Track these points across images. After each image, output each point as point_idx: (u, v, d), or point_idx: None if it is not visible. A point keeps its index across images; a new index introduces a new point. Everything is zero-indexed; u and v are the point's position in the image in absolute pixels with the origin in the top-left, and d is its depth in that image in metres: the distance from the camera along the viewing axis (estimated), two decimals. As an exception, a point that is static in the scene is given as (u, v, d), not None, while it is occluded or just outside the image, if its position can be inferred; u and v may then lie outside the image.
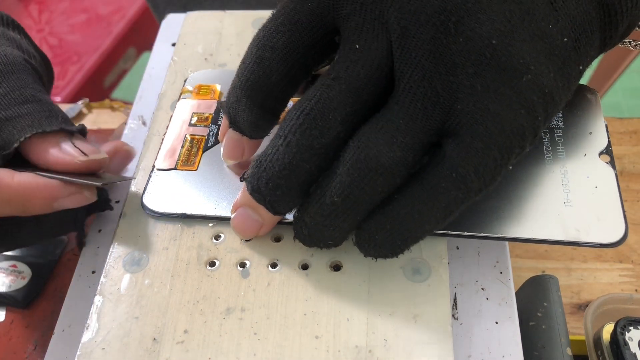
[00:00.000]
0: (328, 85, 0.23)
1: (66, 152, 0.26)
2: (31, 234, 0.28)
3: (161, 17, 0.62)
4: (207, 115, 0.32)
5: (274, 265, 0.26)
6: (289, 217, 0.26)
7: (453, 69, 0.22)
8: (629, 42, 0.30)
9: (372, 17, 0.23)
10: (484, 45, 0.22)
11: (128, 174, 0.31)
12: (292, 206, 0.25)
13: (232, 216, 0.26)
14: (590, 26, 0.23)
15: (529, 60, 0.22)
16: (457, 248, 0.29)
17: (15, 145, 0.24)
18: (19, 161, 0.26)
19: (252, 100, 0.25)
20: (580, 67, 0.24)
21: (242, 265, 0.26)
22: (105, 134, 0.50)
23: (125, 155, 0.31)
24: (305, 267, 0.26)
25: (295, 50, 0.25)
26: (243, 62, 0.26)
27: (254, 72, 0.25)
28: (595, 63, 0.97)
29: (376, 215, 0.23)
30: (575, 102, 0.30)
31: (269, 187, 0.24)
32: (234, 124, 0.27)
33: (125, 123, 0.37)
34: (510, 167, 0.23)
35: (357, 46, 0.23)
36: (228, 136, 0.27)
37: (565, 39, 0.23)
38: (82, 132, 0.28)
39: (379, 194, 0.23)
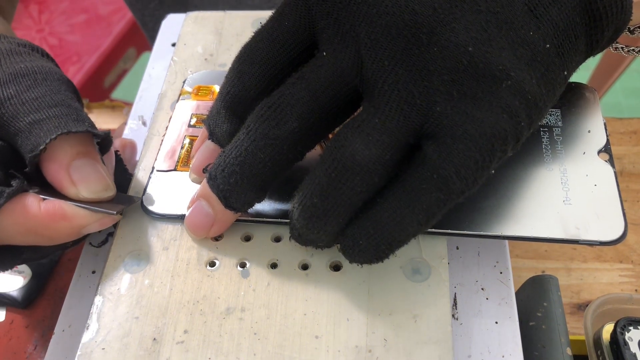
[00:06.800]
0: (292, 83, 0.25)
1: (72, 180, 0.25)
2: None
3: (144, 22, 0.63)
4: (205, 116, 0.32)
5: (274, 265, 0.26)
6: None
7: (428, 76, 0.22)
8: (622, 47, 0.30)
9: (343, 30, 0.24)
10: (459, 52, 0.22)
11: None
12: (244, 200, 0.25)
13: (187, 212, 0.27)
14: (574, 31, 0.23)
15: (508, 66, 0.22)
16: (457, 248, 0.29)
17: (42, 147, 0.24)
18: (39, 179, 0.26)
19: (232, 111, 0.27)
20: (565, 73, 0.24)
21: (242, 265, 0.26)
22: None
23: (132, 148, 0.32)
24: (305, 267, 0.26)
25: (273, 66, 0.26)
26: (226, 76, 0.27)
27: (234, 85, 0.26)
28: (595, 63, 0.98)
29: (359, 221, 0.23)
30: (574, 101, 0.30)
31: (224, 174, 0.25)
32: (212, 136, 0.27)
33: (125, 123, 0.37)
34: (493, 171, 0.23)
35: (325, 53, 0.25)
36: (204, 146, 0.28)
37: (548, 45, 0.23)
38: (107, 140, 0.28)
39: (358, 195, 0.23)
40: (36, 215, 0.24)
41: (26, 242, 0.25)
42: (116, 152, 0.29)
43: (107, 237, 0.30)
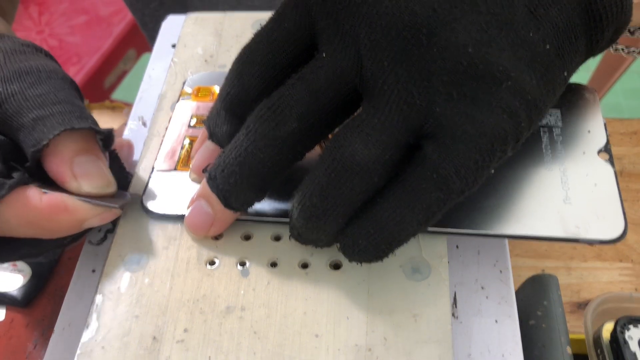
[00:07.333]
0: (292, 84, 0.25)
1: (74, 174, 0.25)
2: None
3: (148, 30, 0.63)
4: (206, 117, 0.32)
5: (273, 264, 0.26)
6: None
7: (428, 76, 0.22)
8: (622, 48, 0.30)
9: (343, 31, 0.24)
10: (459, 53, 0.22)
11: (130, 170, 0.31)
12: (244, 200, 0.25)
13: (187, 212, 0.27)
14: (574, 32, 0.23)
15: (508, 67, 0.22)
16: (457, 247, 0.29)
17: (45, 142, 0.24)
18: (39, 175, 0.26)
19: (232, 112, 0.27)
20: (565, 74, 0.24)
21: (242, 264, 0.26)
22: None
23: (128, 148, 0.33)
24: (305, 266, 0.26)
25: (273, 67, 0.26)
26: (226, 77, 0.27)
27: (234, 86, 0.27)
28: (595, 64, 0.98)
29: (359, 220, 0.23)
30: (574, 101, 0.30)
31: (223, 175, 0.25)
32: (212, 136, 0.27)
33: (125, 124, 0.37)
34: (492, 171, 0.23)
35: (324, 54, 0.24)
36: (204, 147, 0.28)
37: (548, 46, 0.23)
38: (109, 137, 0.28)
39: (357, 195, 0.23)
40: (37, 207, 0.24)
41: (27, 235, 0.25)
42: (113, 150, 0.29)
43: (105, 234, 0.30)
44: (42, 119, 0.25)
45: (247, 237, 0.27)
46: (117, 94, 1.19)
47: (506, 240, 0.29)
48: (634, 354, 0.29)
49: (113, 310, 0.25)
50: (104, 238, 0.30)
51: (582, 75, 0.26)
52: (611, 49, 0.30)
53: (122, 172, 0.30)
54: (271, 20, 0.26)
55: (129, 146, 0.33)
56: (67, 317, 0.28)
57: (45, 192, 0.25)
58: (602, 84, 0.96)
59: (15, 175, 0.25)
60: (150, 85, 0.38)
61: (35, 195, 0.24)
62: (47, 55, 0.30)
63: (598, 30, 0.24)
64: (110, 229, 0.30)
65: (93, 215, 0.25)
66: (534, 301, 0.30)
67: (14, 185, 0.24)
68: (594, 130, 0.29)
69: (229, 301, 0.25)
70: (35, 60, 0.28)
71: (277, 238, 0.27)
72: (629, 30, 0.28)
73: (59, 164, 0.25)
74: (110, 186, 0.26)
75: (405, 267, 0.26)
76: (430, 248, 0.26)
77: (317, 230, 0.24)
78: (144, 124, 0.37)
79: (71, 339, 0.27)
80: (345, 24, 0.24)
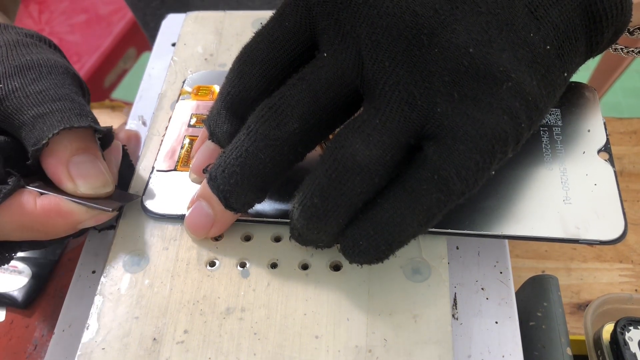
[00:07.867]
0: (293, 84, 0.25)
1: (70, 175, 0.25)
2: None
3: (149, 31, 0.63)
4: (205, 116, 0.32)
5: (274, 265, 0.26)
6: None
7: (429, 77, 0.22)
8: (621, 48, 0.30)
9: (344, 31, 0.24)
10: (460, 54, 0.22)
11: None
12: (244, 201, 0.25)
13: (187, 213, 0.27)
14: (575, 33, 0.23)
15: (509, 68, 0.22)
16: (457, 248, 0.29)
17: (44, 141, 0.24)
18: (41, 173, 0.26)
19: (232, 111, 0.27)
20: (565, 74, 0.24)
21: (242, 265, 0.26)
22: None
23: (136, 140, 0.33)
24: (305, 267, 0.26)
25: (273, 67, 0.26)
26: (226, 77, 0.27)
27: (234, 85, 0.26)
28: (595, 63, 0.98)
29: (359, 221, 0.23)
30: (574, 100, 0.30)
31: (224, 175, 0.25)
32: (212, 136, 0.27)
33: (125, 123, 0.37)
34: (493, 173, 0.23)
35: (325, 54, 0.24)
36: (204, 146, 0.28)
37: (548, 47, 0.23)
38: (109, 135, 0.28)
39: (358, 195, 0.23)
40: (32, 212, 0.24)
41: (23, 238, 0.25)
42: (123, 146, 0.29)
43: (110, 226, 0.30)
44: (42, 116, 0.25)
45: (247, 238, 0.27)
46: (117, 93, 1.19)
47: (506, 241, 0.29)
48: (634, 355, 0.29)
49: (113, 312, 0.25)
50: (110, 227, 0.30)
51: (582, 74, 0.26)
52: (610, 49, 0.30)
53: (130, 169, 0.30)
54: (272, 20, 0.26)
55: (137, 137, 0.33)
56: (67, 318, 0.28)
57: (40, 195, 0.25)
58: (602, 83, 0.96)
59: (11, 181, 0.25)
60: (150, 84, 0.38)
61: (29, 201, 0.24)
62: (51, 45, 0.30)
63: (598, 31, 0.24)
64: (113, 225, 0.30)
65: (88, 218, 0.25)
66: (534, 302, 0.30)
67: (9, 194, 0.24)
68: (593, 130, 0.29)
69: (229, 302, 0.25)
70: (38, 53, 0.28)
71: (278, 239, 0.27)
72: (629, 31, 0.28)
73: (55, 165, 0.25)
74: (107, 186, 0.26)
75: (406, 268, 0.26)
76: (430, 249, 0.26)
77: (318, 230, 0.24)
78: (144, 123, 0.37)
79: (71, 340, 0.27)
80: (346, 24, 0.24)
